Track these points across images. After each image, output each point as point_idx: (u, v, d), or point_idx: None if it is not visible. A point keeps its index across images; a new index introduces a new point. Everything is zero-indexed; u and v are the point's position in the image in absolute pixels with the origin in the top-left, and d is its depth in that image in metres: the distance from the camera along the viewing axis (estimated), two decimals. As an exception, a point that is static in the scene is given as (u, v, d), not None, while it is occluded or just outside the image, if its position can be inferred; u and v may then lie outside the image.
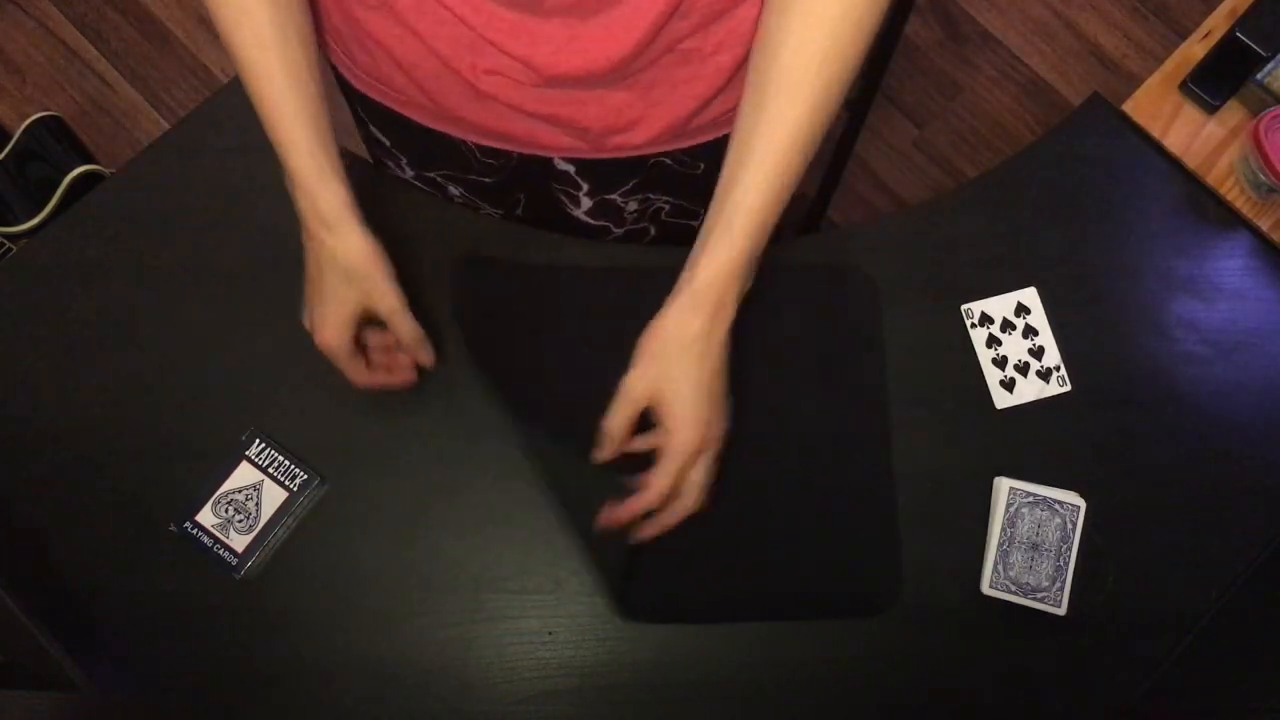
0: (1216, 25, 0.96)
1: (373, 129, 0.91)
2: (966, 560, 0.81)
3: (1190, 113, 0.94)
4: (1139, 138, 0.93)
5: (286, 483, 0.80)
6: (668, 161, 0.84)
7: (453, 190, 0.96)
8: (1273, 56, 0.91)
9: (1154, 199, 0.91)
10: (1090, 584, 0.80)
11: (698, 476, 0.68)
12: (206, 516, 0.80)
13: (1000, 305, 0.86)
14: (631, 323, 0.85)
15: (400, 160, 0.94)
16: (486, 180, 0.93)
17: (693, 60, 0.73)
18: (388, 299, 0.72)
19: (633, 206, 0.92)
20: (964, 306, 0.85)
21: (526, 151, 0.84)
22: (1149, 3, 1.87)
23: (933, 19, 1.87)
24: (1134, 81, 0.96)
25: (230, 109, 0.90)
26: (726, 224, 0.64)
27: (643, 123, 0.78)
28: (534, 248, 0.88)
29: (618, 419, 0.68)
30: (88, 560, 0.80)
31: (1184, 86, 0.94)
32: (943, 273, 0.87)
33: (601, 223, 0.95)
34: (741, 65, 0.75)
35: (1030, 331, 0.84)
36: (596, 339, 0.85)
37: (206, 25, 1.84)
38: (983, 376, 0.84)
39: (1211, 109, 0.94)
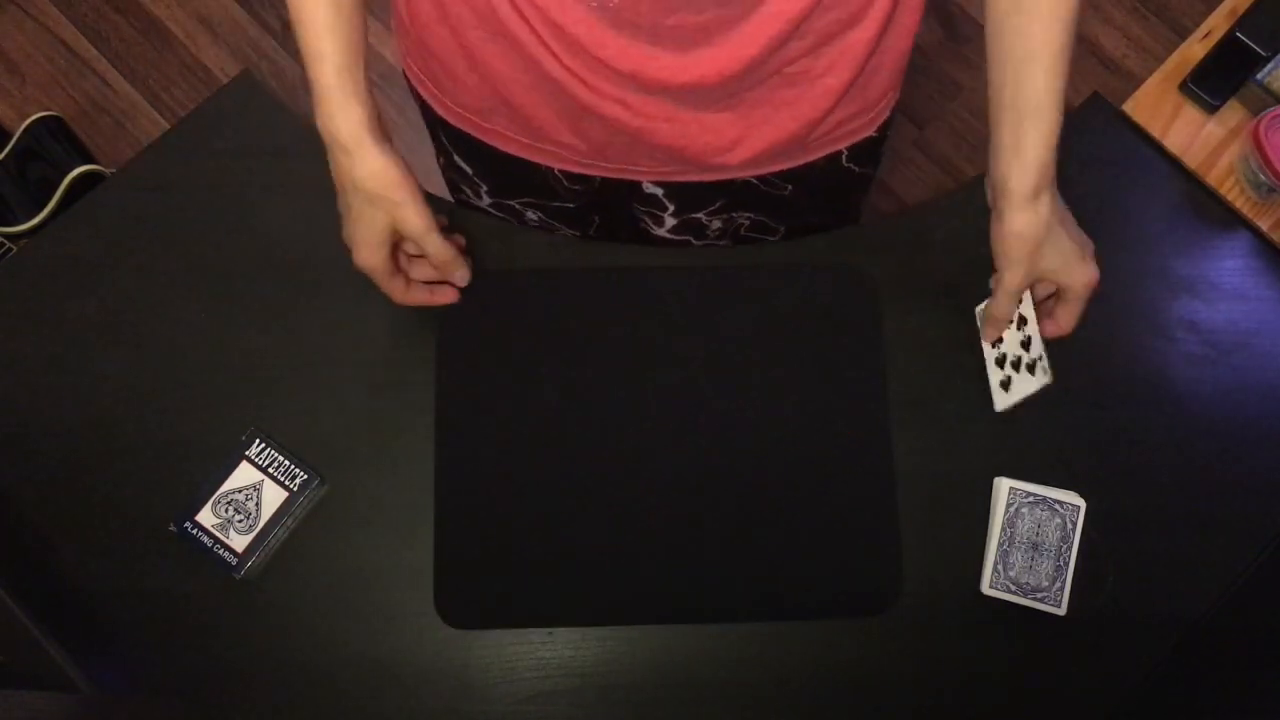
0: (1216, 25, 0.96)
1: (456, 157, 0.90)
2: (966, 560, 0.81)
3: (1190, 113, 0.94)
4: (1139, 138, 0.93)
5: (286, 483, 0.80)
6: (756, 182, 0.84)
7: (530, 216, 0.96)
8: (1273, 56, 0.91)
9: (1154, 199, 0.91)
10: (1090, 584, 0.80)
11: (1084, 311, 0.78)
12: (206, 516, 0.80)
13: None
14: (638, 324, 0.86)
15: (480, 188, 0.93)
16: (569, 206, 0.92)
17: (799, 82, 0.72)
18: (411, 221, 0.71)
19: (716, 224, 0.93)
20: (978, 309, 0.84)
21: (617, 175, 0.83)
22: (1149, 3, 1.87)
23: (933, 19, 1.87)
24: (1134, 81, 0.96)
25: (230, 109, 0.91)
26: (1037, 112, 0.68)
27: (742, 144, 0.77)
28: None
29: (1009, 311, 0.77)
30: (88, 560, 0.80)
31: (1184, 86, 0.94)
32: (943, 273, 0.87)
33: (682, 238, 0.95)
34: (849, 89, 0.75)
35: (1021, 321, 0.82)
36: (600, 341, 0.85)
37: (206, 25, 1.84)
38: (983, 376, 0.84)
39: (1211, 109, 0.94)
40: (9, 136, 1.52)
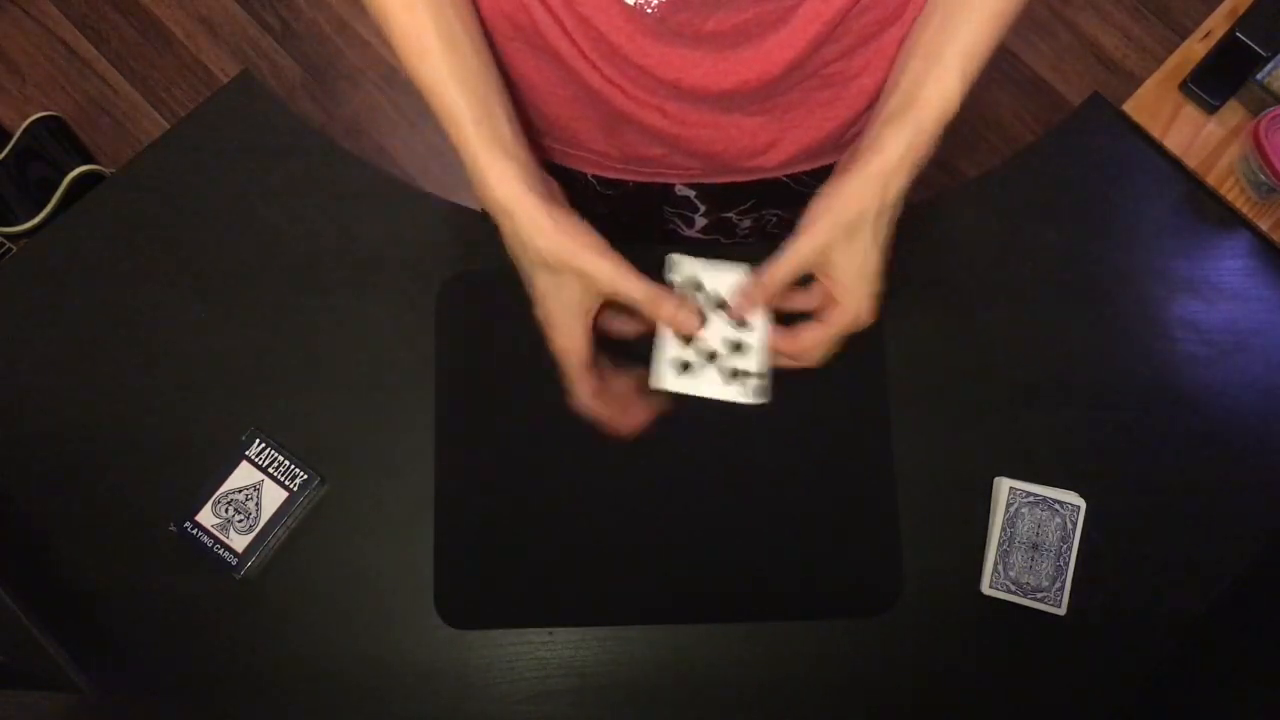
0: (1216, 25, 0.96)
1: None
2: (966, 560, 0.81)
3: (1190, 113, 0.94)
4: (1139, 138, 0.93)
5: (286, 483, 0.80)
6: (787, 181, 0.84)
7: None
8: (1273, 56, 0.91)
9: (1154, 199, 0.91)
10: (1090, 584, 0.80)
11: (833, 347, 0.65)
12: (206, 516, 0.80)
13: (722, 277, 0.66)
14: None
15: None
16: (600, 211, 0.92)
17: (834, 83, 0.72)
18: (600, 269, 0.59)
19: (746, 223, 0.92)
20: (671, 256, 0.66)
21: (651, 180, 0.83)
22: (1149, 3, 1.87)
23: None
24: (1134, 81, 0.96)
25: (230, 109, 0.91)
26: (952, 63, 0.61)
27: (778, 146, 0.77)
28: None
29: (781, 275, 0.63)
30: (88, 560, 0.80)
31: (1184, 86, 0.94)
32: (943, 273, 0.87)
33: (711, 237, 0.95)
34: (883, 88, 0.72)
35: (743, 322, 0.66)
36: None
37: (206, 25, 1.84)
38: (984, 376, 0.84)
39: (1211, 109, 0.94)
40: (9, 136, 1.52)
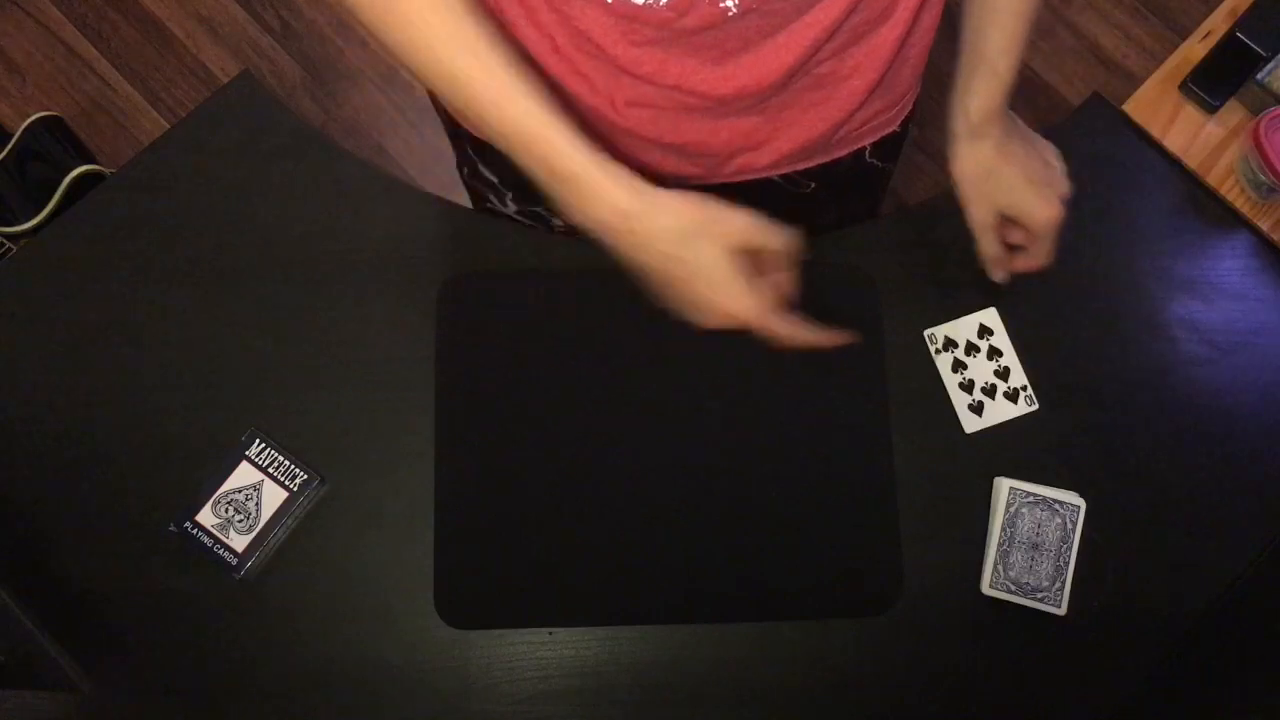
0: (1216, 25, 0.96)
1: (482, 168, 0.90)
2: (966, 560, 0.81)
3: (1190, 113, 0.94)
4: (1139, 138, 0.93)
5: (286, 483, 0.80)
6: (779, 181, 0.84)
7: (556, 222, 0.96)
8: (1273, 56, 0.91)
9: (1154, 199, 0.91)
10: (1090, 584, 0.80)
11: (1054, 240, 0.77)
12: (206, 516, 0.80)
13: (964, 328, 0.85)
14: (638, 324, 0.86)
15: (505, 196, 0.93)
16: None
17: (826, 84, 0.73)
18: (739, 220, 0.62)
19: None
20: (926, 332, 0.85)
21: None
22: (1149, 3, 1.87)
23: (933, 19, 1.86)
24: (1134, 81, 0.96)
25: (230, 109, 0.91)
26: (989, 66, 0.71)
27: (769, 145, 0.77)
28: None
29: (992, 246, 0.78)
30: (88, 560, 0.80)
31: (1184, 86, 0.94)
32: (943, 273, 0.87)
33: None
34: (874, 89, 0.75)
35: (994, 353, 0.85)
36: (600, 341, 0.85)
37: (206, 25, 1.84)
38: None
39: (1211, 109, 0.94)
40: (9, 136, 1.52)
